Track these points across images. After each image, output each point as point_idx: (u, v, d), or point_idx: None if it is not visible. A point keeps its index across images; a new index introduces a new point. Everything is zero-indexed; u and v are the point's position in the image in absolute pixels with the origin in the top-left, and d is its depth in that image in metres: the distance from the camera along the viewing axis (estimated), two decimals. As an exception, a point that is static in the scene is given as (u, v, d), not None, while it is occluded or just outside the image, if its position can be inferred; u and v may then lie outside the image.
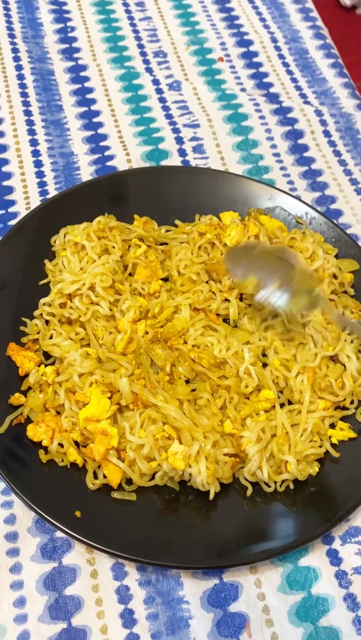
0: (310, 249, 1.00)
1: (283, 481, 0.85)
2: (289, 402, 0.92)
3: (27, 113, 1.20)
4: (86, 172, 1.14)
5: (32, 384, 0.88)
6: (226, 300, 0.97)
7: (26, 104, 1.21)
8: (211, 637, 0.77)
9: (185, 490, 0.85)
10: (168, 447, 0.83)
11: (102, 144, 1.18)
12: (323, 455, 0.88)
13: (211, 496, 0.82)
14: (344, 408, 0.92)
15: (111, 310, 0.94)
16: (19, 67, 1.26)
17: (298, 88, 1.31)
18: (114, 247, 0.97)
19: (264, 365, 0.93)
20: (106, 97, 1.25)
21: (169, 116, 1.23)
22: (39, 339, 0.92)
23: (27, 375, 0.89)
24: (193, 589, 0.80)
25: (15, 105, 1.21)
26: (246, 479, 0.85)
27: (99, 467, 0.84)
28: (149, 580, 0.80)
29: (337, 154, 1.22)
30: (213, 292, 0.97)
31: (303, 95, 1.30)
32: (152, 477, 0.84)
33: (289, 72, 1.33)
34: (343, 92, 1.31)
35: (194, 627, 0.78)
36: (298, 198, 1.08)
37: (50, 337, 0.92)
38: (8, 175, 1.12)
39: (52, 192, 1.10)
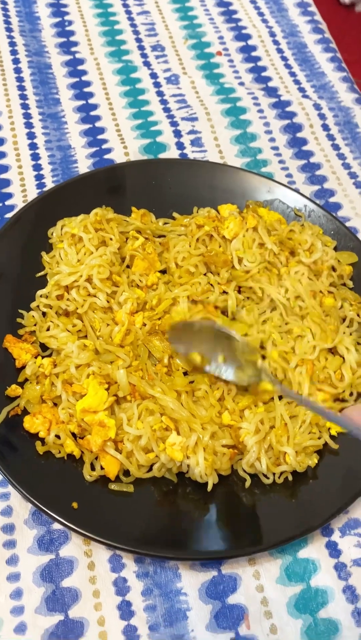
0: (309, 241, 1.00)
1: (281, 473, 0.84)
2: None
3: (25, 106, 1.20)
4: (84, 165, 1.13)
5: (29, 376, 0.87)
6: (224, 292, 0.97)
7: (23, 97, 1.21)
8: (209, 628, 0.77)
9: (183, 482, 0.84)
10: (166, 439, 0.82)
11: (99, 137, 1.17)
12: (322, 448, 0.87)
13: (209, 488, 0.82)
14: (343, 400, 0.91)
15: (108, 302, 0.93)
16: (16, 61, 1.25)
17: (297, 82, 1.30)
18: (111, 239, 0.97)
19: (263, 357, 0.92)
20: (103, 91, 1.24)
21: (167, 109, 1.22)
22: (36, 331, 0.91)
23: (24, 367, 0.88)
24: (191, 580, 0.80)
25: (13, 99, 1.20)
26: (244, 471, 0.85)
27: (96, 458, 0.83)
28: (147, 572, 0.80)
29: (336, 147, 1.21)
30: (211, 285, 0.97)
31: (301, 89, 1.29)
32: (150, 469, 0.84)
33: (288, 66, 1.33)
34: (342, 86, 1.30)
35: (192, 619, 0.77)
36: (296, 191, 1.07)
37: (48, 329, 0.91)
38: (5, 168, 1.12)
39: (50, 185, 1.10)
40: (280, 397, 0.89)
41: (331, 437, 0.88)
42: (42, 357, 0.89)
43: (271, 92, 1.28)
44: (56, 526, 0.82)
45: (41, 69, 1.26)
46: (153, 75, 1.28)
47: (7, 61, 1.25)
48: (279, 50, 1.35)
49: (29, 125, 1.17)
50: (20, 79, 1.23)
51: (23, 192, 1.09)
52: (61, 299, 0.93)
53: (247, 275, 0.98)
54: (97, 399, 0.84)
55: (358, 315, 0.97)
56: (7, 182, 1.10)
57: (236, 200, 1.05)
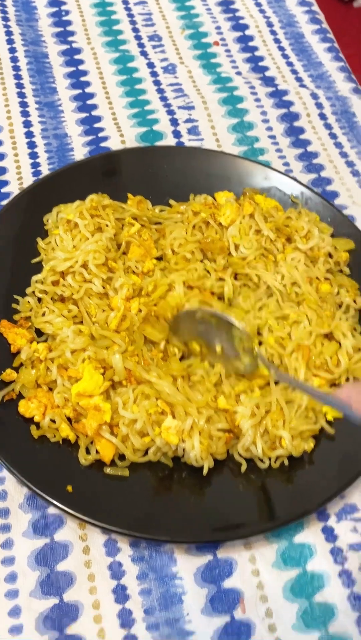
0: (305, 228, 1.00)
1: (277, 457, 0.84)
2: (284, 381, 0.91)
3: (21, 95, 1.19)
4: (80, 153, 1.13)
5: (24, 361, 0.87)
6: (221, 279, 0.96)
7: (20, 86, 1.21)
8: (204, 612, 0.76)
9: (179, 467, 0.84)
10: (161, 423, 0.82)
11: (96, 125, 1.17)
12: (319, 433, 0.87)
13: (205, 471, 0.81)
14: (339, 385, 0.91)
15: (104, 288, 0.93)
16: (12, 50, 1.25)
17: (294, 72, 1.30)
18: (107, 226, 0.96)
19: (260, 343, 0.92)
20: (100, 80, 1.24)
21: (163, 98, 1.22)
22: (31, 316, 0.91)
23: (19, 352, 0.88)
24: (186, 565, 0.79)
25: (9, 88, 1.20)
26: (240, 455, 0.84)
27: (91, 443, 0.83)
28: (142, 557, 0.80)
29: (333, 136, 1.21)
30: (208, 271, 0.97)
31: (298, 79, 1.29)
32: (146, 453, 0.83)
33: (285, 56, 1.33)
34: (339, 76, 1.30)
35: (188, 603, 0.77)
36: (293, 178, 1.07)
37: (43, 315, 0.91)
38: (1, 156, 1.11)
39: (46, 172, 1.09)
40: (276, 383, 0.89)
41: (328, 422, 0.87)
42: (38, 343, 0.88)
43: (268, 81, 1.28)
44: (51, 510, 0.81)
45: (38, 58, 1.25)
46: (150, 65, 1.27)
47: (4, 50, 1.25)
48: (277, 41, 1.35)
49: (25, 113, 1.17)
50: (16, 68, 1.23)
51: (19, 179, 1.09)
52: (56, 284, 0.93)
53: (243, 263, 0.97)
54: (92, 383, 0.83)
55: (354, 301, 0.96)
56: (3, 170, 1.10)
57: (233, 188, 1.05)
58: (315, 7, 1.41)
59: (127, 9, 1.36)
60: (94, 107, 1.20)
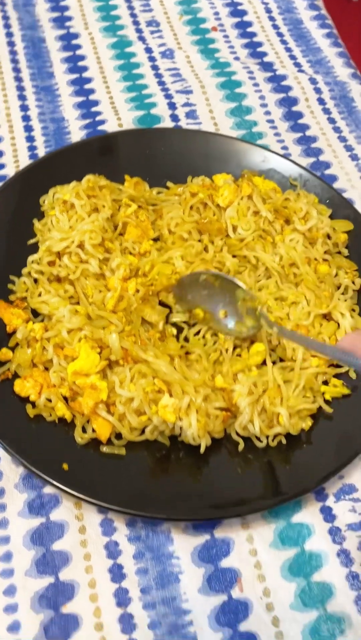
0: (304, 209, 0.99)
1: (275, 436, 0.83)
2: (282, 361, 0.90)
3: (18, 79, 1.19)
4: (77, 137, 1.12)
5: (19, 340, 0.86)
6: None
7: (16, 70, 1.20)
8: (201, 592, 0.76)
9: (176, 446, 0.83)
10: (158, 401, 0.81)
11: (93, 109, 1.16)
12: (317, 413, 0.86)
13: (202, 450, 0.81)
14: (337, 366, 0.90)
15: (100, 268, 0.92)
16: (9, 34, 1.25)
17: (292, 57, 1.29)
18: (104, 206, 0.96)
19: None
20: (97, 65, 1.23)
21: (161, 83, 1.21)
22: (27, 297, 0.90)
23: (14, 332, 0.87)
24: (183, 544, 0.79)
25: (6, 72, 1.20)
26: (237, 434, 0.83)
27: (87, 422, 0.82)
28: (138, 536, 0.79)
29: (332, 121, 1.20)
30: (205, 251, 0.96)
31: (297, 64, 1.28)
32: (142, 432, 0.82)
33: (284, 42, 1.32)
34: (338, 61, 1.29)
35: (185, 582, 0.76)
36: (291, 160, 1.06)
37: (39, 295, 0.90)
38: (-2, 140, 1.11)
39: (42, 155, 1.09)
40: (273, 363, 0.88)
41: (326, 401, 0.87)
42: (34, 322, 0.88)
43: (267, 66, 1.27)
44: (47, 490, 0.81)
45: (35, 42, 1.25)
46: (148, 50, 1.27)
47: (1, 35, 1.25)
48: (275, 27, 1.34)
49: (22, 97, 1.17)
50: (13, 52, 1.22)
51: (15, 162, 1.08)
52: (52, 265, 0.92)
53: (241, 244, 0.97)
54: (89, 362, 0.82)
55: (353, 282, 0.96)
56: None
57: (231, 170, 1.04)
58: (314, -6, 1.41)
59: (125, -6, 1.35)
60: (92, 91, 1.19)
